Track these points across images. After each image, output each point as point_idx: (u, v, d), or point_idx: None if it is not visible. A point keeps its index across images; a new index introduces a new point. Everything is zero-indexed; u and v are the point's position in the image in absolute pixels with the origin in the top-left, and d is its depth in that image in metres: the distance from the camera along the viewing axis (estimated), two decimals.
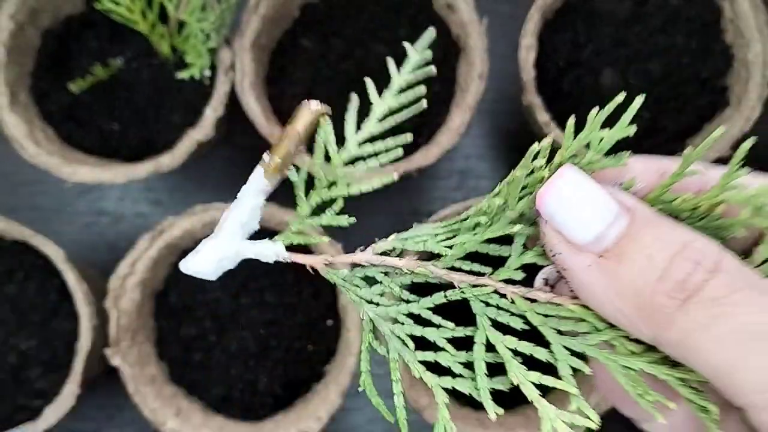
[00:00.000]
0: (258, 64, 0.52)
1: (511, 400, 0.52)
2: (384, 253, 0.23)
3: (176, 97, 0.52)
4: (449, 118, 0.51)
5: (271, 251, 0.25)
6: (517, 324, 0.23)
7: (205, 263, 0.25)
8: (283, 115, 0.52)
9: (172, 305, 0.52)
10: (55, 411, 0.47)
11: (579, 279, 0.21)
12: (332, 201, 0.24)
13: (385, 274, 0.24)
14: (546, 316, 0.23)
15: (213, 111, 0.49)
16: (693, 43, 0.53)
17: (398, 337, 0.23)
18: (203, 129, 0.49)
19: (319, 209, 0.24)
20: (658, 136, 0.53)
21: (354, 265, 0.24)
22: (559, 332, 0.22)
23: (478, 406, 0.51)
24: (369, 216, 0.61)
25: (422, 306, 0.23)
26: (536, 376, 0.22)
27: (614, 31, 0.53)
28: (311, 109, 0.23)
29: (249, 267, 0.52)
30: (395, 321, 0.24)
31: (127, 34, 0.53)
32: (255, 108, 0.49)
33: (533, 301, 0.23)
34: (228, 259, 0.25)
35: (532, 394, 0.22)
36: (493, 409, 0.22)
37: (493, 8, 0.62)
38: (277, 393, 0.51)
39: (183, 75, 0.49)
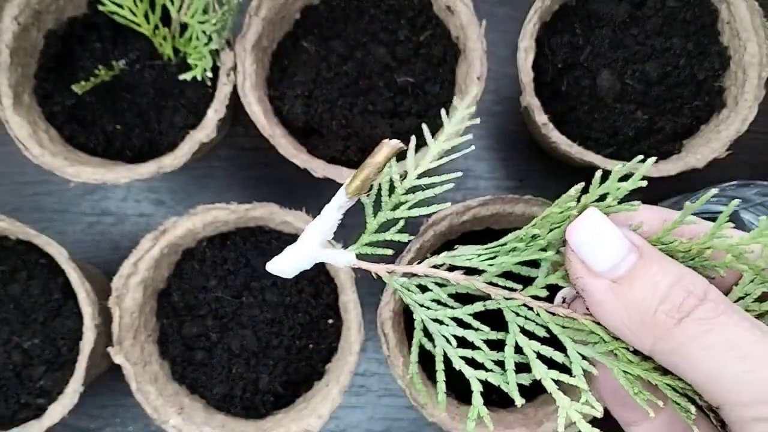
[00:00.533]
0: (259, 66, 0.52)
1: (510, 402, 0.52)
2: (435, 267, 0.29)
3: (178, 98, 0.53)
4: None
5: (342, 258, 0.30)
6: (540, 332, 0.28)
7: (287, 264, 0.29)
8: (284, 116, 0.53)
9: (174, 304, 0.52)
10: (59, 409, 0.47)
11: (595, 298, 0.27)
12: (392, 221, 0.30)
13: (436, 284, 0.29)
14: (564, 327, 0.28)
15: (215, 112, 0.50)
16: (690, 45, 0.53)
17: (443, 336, 0.29)
18: (205, 130, 0.50)
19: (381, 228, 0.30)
20: (655, 137, 0.54)
21: (410, 275, 0.29)
22: (574, 341, 0.28)
23: None
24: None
25: (465, 312, 0.29)
26: (555, 374, 0.27)
27: (611, 33, 0.53)
28: (392, 146, 0.28)
29: (251, 267, 0.52)
30: (441, 323, 0.29)
31: (129, 36, 0.53)
32: (256, 109, 0.50)
33: (554, 314, 0.28)
34: (305, 262, 0.30)
35: (551, 387, 0.27)
36: (518, 398, 0.27)
37: (491, 11, 0.62)
38: (278, 391, 0.52)
39: (185, 76, 0.50)
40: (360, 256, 0.30)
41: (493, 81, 0.56)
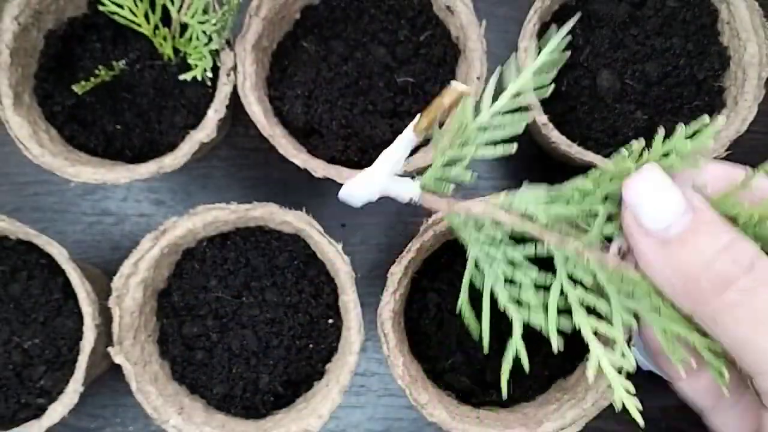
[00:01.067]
0: (259, 66, 0.52)
1: (512, 401, 0.52)
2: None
3: (179, 98, 0.53)
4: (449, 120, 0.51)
5: (409, 191, 0.31)
6: (589, 280, 0.28)
7: (358, 190, 0.31)
8: (284, 116, 0.53)
9: (174, 304, 0.52)
10: (59, 409, 0.47)
11: (644, 255, 0.27)
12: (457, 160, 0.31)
13: (493, 223, 0.30)
14: (611, 277, 0.28)
15: (215, 112, 0.50)
16: (690, 45, 0.53)
17: (495, 272, 0.29)
18: (205, 130, 0.50)
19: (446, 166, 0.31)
20: (655, 137, 0.54)
21: (468, 212, 0.31)
22: (619, 292, 0.28)
23: (477, 404, 0.52)
24: (369, 216, 0.62)
25: (518, 252, 0.29)
26: (594, 321, 0.28)
27: (611, 34, 0.54)
28: (458, 89, 0.30)
29: (251, 267, 0.53)
30: (493, 260, 0.30)
31: (130, 36, 0.53)
32: (256, 109, 0.50)
33: (604, 264, 0.28)
34: (375, 190, 0.31)
35: (588, 334, 0.28)
36: (556, 342, 0.28)
37: (491, 11, 0.62)
38: (278, 391, 0.52)
39: (185, 77, 0.50)
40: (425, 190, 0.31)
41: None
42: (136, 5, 0.50)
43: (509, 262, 0.29)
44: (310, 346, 0.52)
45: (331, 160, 0.52)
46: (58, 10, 0.53)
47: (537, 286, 0.29)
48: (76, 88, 0.50)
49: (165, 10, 0.52)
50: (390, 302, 0.48)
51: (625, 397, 0.27)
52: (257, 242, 0.53)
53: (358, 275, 0.48)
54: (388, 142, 0.51)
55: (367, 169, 0.31)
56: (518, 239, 0.30)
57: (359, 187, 0.31)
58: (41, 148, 0.49)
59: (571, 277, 0.29)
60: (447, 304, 0.52)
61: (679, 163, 0.27)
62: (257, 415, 0.52)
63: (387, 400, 0.60)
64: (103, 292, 0.50)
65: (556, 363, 0.52)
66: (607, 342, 0.29)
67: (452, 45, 0.54)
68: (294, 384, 0.52)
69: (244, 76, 0.50)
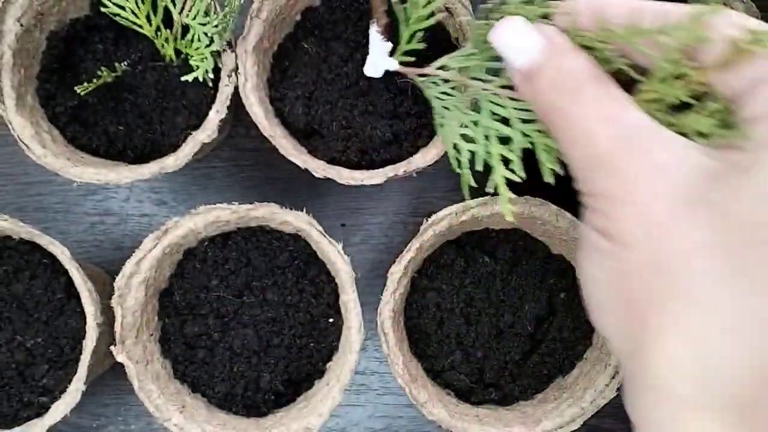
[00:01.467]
0: (260, 67, 0.52)
1: (512, 399, 0.52)
2: (440, 68, 0.39)
3: (180, 99, 0.53)
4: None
5: (389, 64, 0.42)
6: (506, 113, 0.34)
7: (371, 65, 0.44)
8: (285, 117, 0.53)
9: (176, 304, 0.53)
10: (61, 407, 0.47)
11: (520, 90, 0.32)
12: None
13: (442, 81, 0.38)
14: (518, 110, 0.34)
15: (216, 113, 0.50)
16: None
17: (445, 108, 0.37)
18: (207, 130, 0.50)
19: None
20: None
21: (424, 75, 0.39)
22: (523, 121, 0.33)
23: (476, 403, 0.52)
24: (369, 216, 0.62)
25: (459, 99, 0.37)
26: (501, 147, 0.34)
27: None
28: None
29: (252, 266, 0.53)
30: (448, 108, 0.38)
31: (132, 37, 0.54)
32: (257, 110, 0.50)
33: (515, 99, 0.34)
34: (379, 65, 0.43)
35: (496, 157, 0.34)
36: (518, 164, 0.33)
37: None
38: (279, 390, 0.52)
39: (187, 78, 0.50)
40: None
41: None
42: (138, 7, 0.51)
43: (456, 108, 0.37)
44: (311, 345, 0.53)
45: (332, 161, 0.52)
46: (61, 12, 0.54)
47: (475, 124, 0.36)
48: (78, 89, 0.50)
49: (167, 12, 0.52)
50: (390, 301, 0.48)
51: (502, 178, 0.33)
52: (258, 242, 0.53)
53: (358, 275, 0.48)
54: (388, 143, 0.52)
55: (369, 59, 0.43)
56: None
57: (371, 65, 0.44)
58: (44, 148, 0.49)
59: (492, 113, 0.35)
60: (447, 304, 0.53)
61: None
62: (258, 414, 0.52)
63: (387, 398, 0.60)
64: (105, 292, 0.50)
65: (554, 361, 0.53)
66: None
67: (452, 46, 0.55)
68: (295, 383, 0.53)
69: (245, 77, 0.51)
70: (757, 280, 0.22)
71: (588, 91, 0.28)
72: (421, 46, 0.41)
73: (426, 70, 0.39)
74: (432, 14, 0.40)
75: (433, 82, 0.39)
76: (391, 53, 0.43)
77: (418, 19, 0.40)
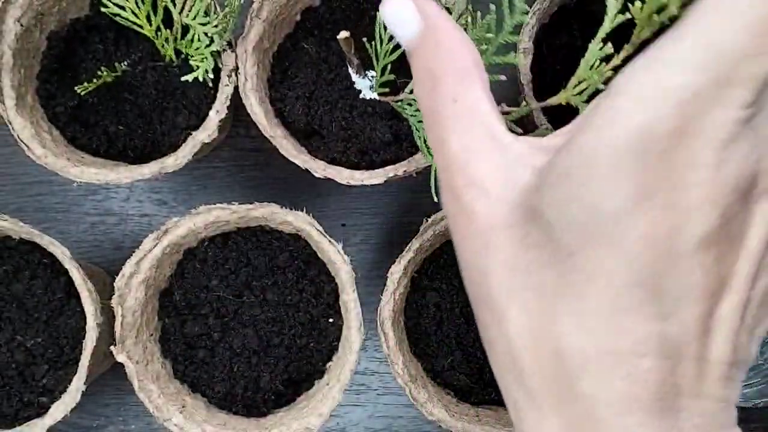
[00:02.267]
0: (260, 68, 0.52)
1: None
2: (411, 92, 0.40)
3: (180, 99, 0.53)
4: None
5: (371, 95, 0.45)
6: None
7: (361, 93, 0.45)
8: (285, 117, 0.53)
9: (176, 303, 0.53)
10: (61, 407, 0.47)
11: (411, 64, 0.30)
12: None
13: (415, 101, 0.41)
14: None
15: (216, 113, 0.50)
16: None
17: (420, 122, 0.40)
18: (207, 130, 0.50)
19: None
20: None
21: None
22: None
23: (476, 403, 0.52)
24: (369, 216, 0.62)
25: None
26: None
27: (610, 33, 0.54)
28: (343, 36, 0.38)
29: (252, 266, 0.53)
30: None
31: (132, 37, 0.54)
32: (257, 110, 0.50)
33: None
34: (366, 95, 0.45)
35: (418, 139, 0.40)
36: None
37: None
38: (279, 390, 0.52)
39: (187, 78, 0.50)
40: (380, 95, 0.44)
41: (491, 82, 0.56)
42: (138, 7, 0.51)
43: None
44: (311, 345, 0.53)
45: (332, 161, 0.52)
46: (61, 12, 0.54)
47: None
48: (78, 89, 0.50)
49: (167, 12, 0.52)
50: (390, 301, 0.48)
51: None
52: (258, 242, 0.53)
53: (358, 275, 0.48)
54: (388, 143, 0.52)
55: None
56: None
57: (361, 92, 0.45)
58: (44, 148, 0.49)
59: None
60: (446, 304, 0.53)
61: None
62: (258, 414, 0.52)
63: (387, 398, 0.60)
64: (105, 292, 0.50)
65: None
66: None
67: None
68: (295, 382, 0.53)
69: (245, 78, 0.51)
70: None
71: (444, 86, 0.28)
72: (392, 77, 0.41)
73: (400, 97, 0.42)
74: (398, 47, 0.40)
75: (408, 104, 0.41)
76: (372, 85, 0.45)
77: (386, 54, 0.42)
